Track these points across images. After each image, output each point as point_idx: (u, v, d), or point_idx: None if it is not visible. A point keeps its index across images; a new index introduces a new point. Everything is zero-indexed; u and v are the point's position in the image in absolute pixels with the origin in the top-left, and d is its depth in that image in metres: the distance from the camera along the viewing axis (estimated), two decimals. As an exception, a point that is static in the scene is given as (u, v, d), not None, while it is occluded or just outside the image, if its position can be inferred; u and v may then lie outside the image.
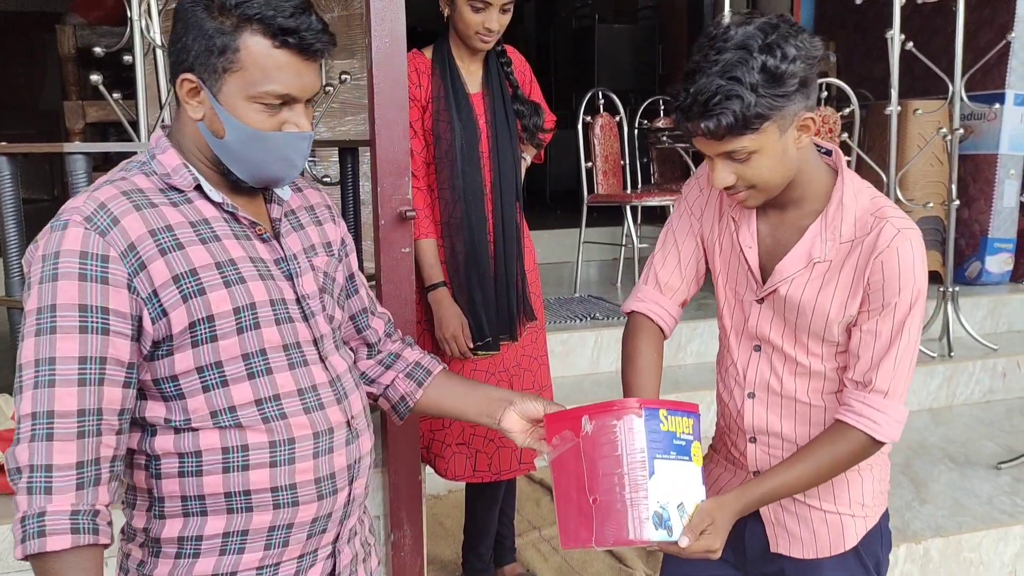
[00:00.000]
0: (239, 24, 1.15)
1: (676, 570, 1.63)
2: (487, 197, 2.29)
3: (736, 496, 1.39)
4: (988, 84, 4.46)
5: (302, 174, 1.38)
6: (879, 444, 1.43)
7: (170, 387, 1.19)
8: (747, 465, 1.57)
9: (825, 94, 4.14)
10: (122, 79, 2.92)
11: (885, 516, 1.59)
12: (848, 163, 4.05)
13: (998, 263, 4.68)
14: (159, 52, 2.66)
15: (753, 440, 1.55)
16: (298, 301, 1.28)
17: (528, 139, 2.41)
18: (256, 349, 1.21)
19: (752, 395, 1.54)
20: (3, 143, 2.45)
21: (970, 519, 2.77)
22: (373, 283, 1.99)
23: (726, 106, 1.27)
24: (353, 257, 1.48)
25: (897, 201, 3.87)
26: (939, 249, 4.56)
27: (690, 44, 1.52)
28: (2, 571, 2.13)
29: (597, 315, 3.99)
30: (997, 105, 4.42)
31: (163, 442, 1.20)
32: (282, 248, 1.29)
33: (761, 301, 1.50)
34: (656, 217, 5.68)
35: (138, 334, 1.16)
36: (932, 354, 3.86)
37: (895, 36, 3.69)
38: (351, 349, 1.49)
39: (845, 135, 4.07)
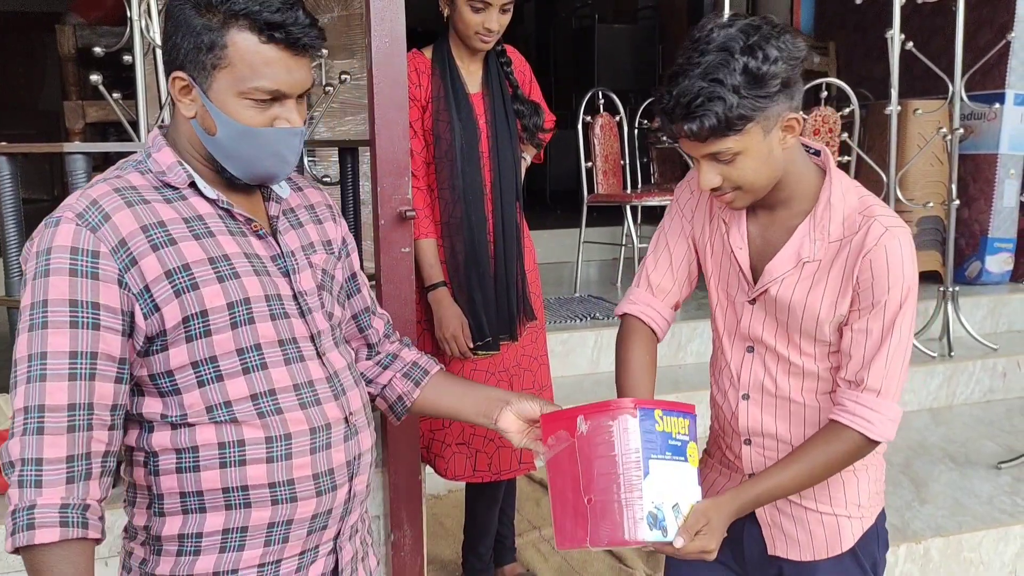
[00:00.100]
0: (226, 20, 1.16)
1: (678, 572, 1.63)
2: (487, 197, 2.29)
3: (731, 497, 1.39)
4: (988, 84, 4.46)
5: (302, 174, 1.39)
6: (874, 443, 1.42)
7: (166, 382, 1.20)
8: (742, 468, 1.57)
9: (825, 94, 4.14)
10: (122, 79, 2.92)
11: (881, 516, 1.59)
12: (848, 163, 4.08)
13: (998, 263, 4.68)
14: (159, 52, 2.66)
15: (748, 442, 1.55)
16: (295, 297, 1.28)
17: (528, 139, 2.41)
18: (250, 344, 1.21)
19: (746, 396, 1.54)
20: (3, 143, 2.45)
21: (970, 519, 2.77)
22: (373, 283, 1.99)
23: (709, 108, 1.28)
24: (355, 256, 1.48)
25: (897, 201, 3.87)
26: (939, 249, 4.56)
27: (690, 44, 1.54)
28: (2, 571, 2.13)
29: (597, 315, 3.99)
30: (997, 105, 4.42)
31: (160, 438, 1.21)
32: (279, 245, 1.29)
33: (753, 302, 1.50)
34: (656, 217, 5.66)
35: (130, 329, 1.17)
36: (932, 354, 3.86)
37: (895, 36, 3.69)
38: (352, 349, 1.49)
39: (845, 135, 4.07)
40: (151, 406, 1.21)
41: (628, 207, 4.68)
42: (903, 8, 3.71)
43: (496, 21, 2.18)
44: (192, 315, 1.18)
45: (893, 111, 3.79)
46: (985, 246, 4.66)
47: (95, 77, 2.58)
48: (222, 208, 1.25)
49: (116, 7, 3.39)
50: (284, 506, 1.23)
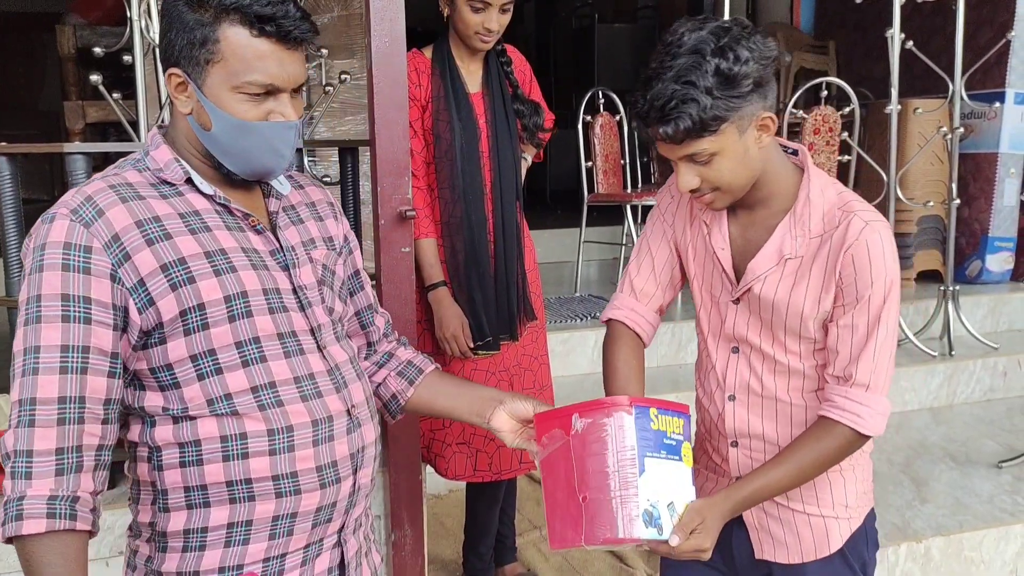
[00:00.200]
0: (217, 15, 1.17)
1: (672, 574, 1.64)
2: (487, 197, 2.29)
3: (724, 496, 1.39)
4: (988, 83, 4.46)
5: (303, 173, 1.39)
6: (864, 438, 1.43)
7: (166, 376, 1.20)
8: (729, 471, 1.57)
9: (825, 93, 4.14)
10: (122, 79, 2.92)
11: (870, 516, 1.59)
12: (848, 162, 4.07)
13: (998, 262, 4.68)
14: (158, 52, 2.65)
15: (735, 444, 1.55)
16: (294, 291, 1.29)
17: (528, 138, 2.41)
18: (249, 337, 1.22)
19: (732, 398, 1.54)
20: (3, 143, 2.45)
21: (971, 518, 2.77)
22: (373, 283, 1.99)
23: (682, 110, 1.29)
24: (357, 254, 1.49)
25: (897, 200, 3.87)
26: (939, 248, 4.56)
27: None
28: (3, 571, 2.13)
29: (597, 314, 3.98)
30: (997, 104, 4.42)
31: (163, 432, 1.21)
32: (278, 240, 1.30)
33: (737, 301, 1.51)
34: (656, 217, 5.67)
35: (123, 324, 1.17)
36: (933, 353, 3.86)
37: (895, 35, 3.69)
38: (354, 346, 1.49)
39: (845, 134, 4.07)
40: (152, 400, 1.21)
41: (628, 207, 4.67)
42: (903, 7, 3.71)
43: (496, 21, 2.18)
44: (189, 308, 1.18)
45: (893, 110, 3.79)
46: (985, 245, 4.66)
47: (95, 77, 2.58)
48: (219, 204, 1.26)
49: (116, 7, 3.38)
50: (288, 499, 1.23)
